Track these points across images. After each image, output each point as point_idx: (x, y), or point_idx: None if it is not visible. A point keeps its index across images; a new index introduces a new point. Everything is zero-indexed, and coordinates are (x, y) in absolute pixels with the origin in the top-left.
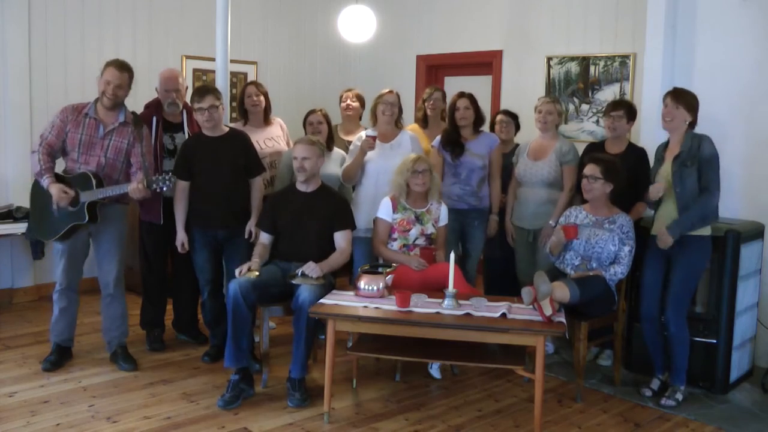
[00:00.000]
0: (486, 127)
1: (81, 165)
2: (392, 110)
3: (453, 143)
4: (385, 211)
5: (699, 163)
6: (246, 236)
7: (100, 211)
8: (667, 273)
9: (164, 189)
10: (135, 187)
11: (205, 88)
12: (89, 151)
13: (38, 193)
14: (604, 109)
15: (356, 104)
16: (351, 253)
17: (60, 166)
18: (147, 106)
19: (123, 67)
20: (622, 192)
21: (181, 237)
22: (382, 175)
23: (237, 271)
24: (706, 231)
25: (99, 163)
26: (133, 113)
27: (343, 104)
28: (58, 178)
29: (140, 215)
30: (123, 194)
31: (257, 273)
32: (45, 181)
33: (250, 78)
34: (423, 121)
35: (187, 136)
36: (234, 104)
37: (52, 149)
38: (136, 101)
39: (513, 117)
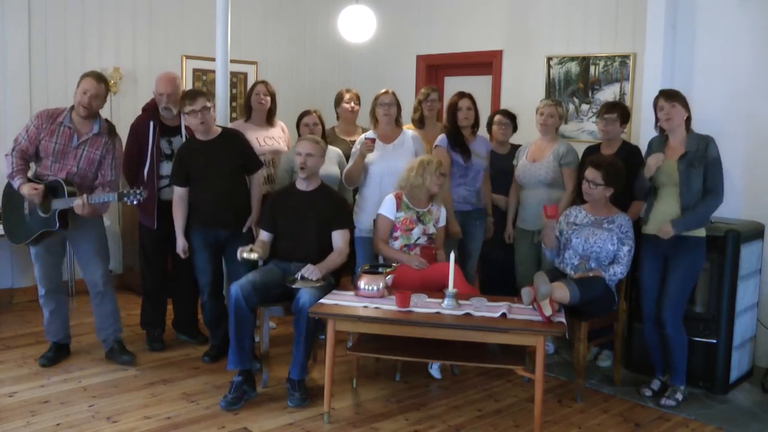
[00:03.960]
0: (481, 128)
1: (52, 173)
2: (390, 110)
3: (461, 144)
4: (388, 208)
5: (705, 164)
6: (244, 230)
7: (72, 217)
8: (664, 273)
9: (134, 203)
10: (78, 204)
11: (194, 91)
12: (62, 159)
13: (10, 196)
14: (598, 111)
15: (358, 106)
16: (353, 253)
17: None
18: (144, 109)
19: (100, 79)
20: (618, 191)
21: (181, 244)
22: (386, 176)
23: (239, 251)
24: (701, 232)
25: (70, 173)
26: (107, 122)
27: (347, 105)
28: (30, 182)
29: (139, 217)
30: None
31: (257, 255)
32: (16, 182)
33: (250, 78)
34: (419, 122)
35: (184, 140)
36: (234, 104)
37: (26, 154)
38: (136, 102)
39: (511, 118)
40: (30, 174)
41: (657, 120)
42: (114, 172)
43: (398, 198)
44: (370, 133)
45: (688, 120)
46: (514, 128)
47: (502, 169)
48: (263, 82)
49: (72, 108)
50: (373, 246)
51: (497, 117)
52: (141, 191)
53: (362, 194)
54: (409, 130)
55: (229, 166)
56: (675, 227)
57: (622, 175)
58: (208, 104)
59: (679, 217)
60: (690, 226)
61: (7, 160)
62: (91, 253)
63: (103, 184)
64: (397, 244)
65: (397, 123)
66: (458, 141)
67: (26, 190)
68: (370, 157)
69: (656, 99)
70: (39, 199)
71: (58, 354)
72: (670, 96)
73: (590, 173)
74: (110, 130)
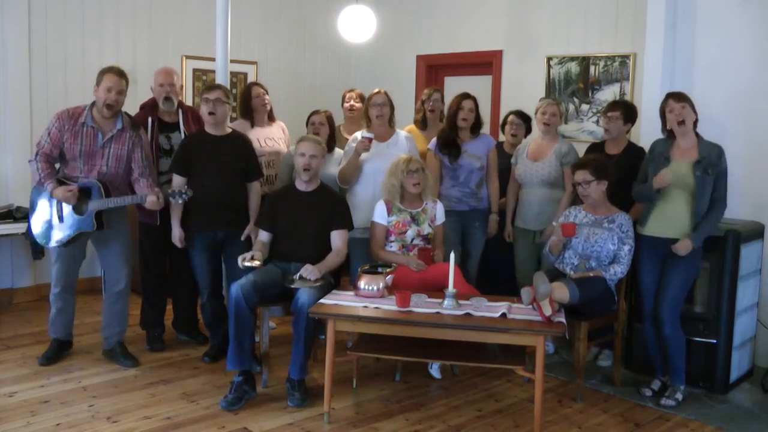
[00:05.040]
0: (487, 127)
1: (83, 174)
2: (383, 110)
3: (450, 145)
4: (380, 214)
5: (716, 173)
6: (243, 239)
7: (106, 218)
8: (662, 273)
9: (180, 202)
10: (153, 201)
11: (216, 84)
12: (90, 161)
13: (39, 198)
14: (602, 109)
15: (359, 105)
16: (348, 253)
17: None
18: (143, 107)
19: (121, 74)
20: (620, 191)
21: (177, 233)
22: (379, 174)
23: (240, 258)
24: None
25: (100, 172)
26: (127, 115)
27: (347, 105)
28: (62, 184)
29: (138, 216)
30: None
31: (259, 262)
32: (48, 187)
33: (251, 78)
34: (422, 123)
35: (183, 136)
36: (234, 104)
37: (50, 157)
38: (135, 102)
39: (525, 119)
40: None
41: (664, 123)
42: (146, 163)
43: (388, 203)
44: (367, 132)
45: (695, 123)
46: (528, 129)
47: (507, 168)
48: (257, 83)
49: (92, 106)
50: (371, 254)
51: (510, 117)
52: (186, 190)
53: (354, 193)
54: (402, 131)
55: (231, 165)
56: (694, 242)
57: (608, 165)
58: (224, 98)
59: (696, 231)
60: (705, 236)
61: (31, 166)
62: (120, 255)
63: (142, 175)
64: (394, 247)
65: (390, 123)
66: (448, 141)
67: (60, 193)
68: (364, 155)
69: (664, 102)
70: (74, 200)
71: (58, 352)
72: (679, 98)
73: (578, 175)
74: (133, 123)
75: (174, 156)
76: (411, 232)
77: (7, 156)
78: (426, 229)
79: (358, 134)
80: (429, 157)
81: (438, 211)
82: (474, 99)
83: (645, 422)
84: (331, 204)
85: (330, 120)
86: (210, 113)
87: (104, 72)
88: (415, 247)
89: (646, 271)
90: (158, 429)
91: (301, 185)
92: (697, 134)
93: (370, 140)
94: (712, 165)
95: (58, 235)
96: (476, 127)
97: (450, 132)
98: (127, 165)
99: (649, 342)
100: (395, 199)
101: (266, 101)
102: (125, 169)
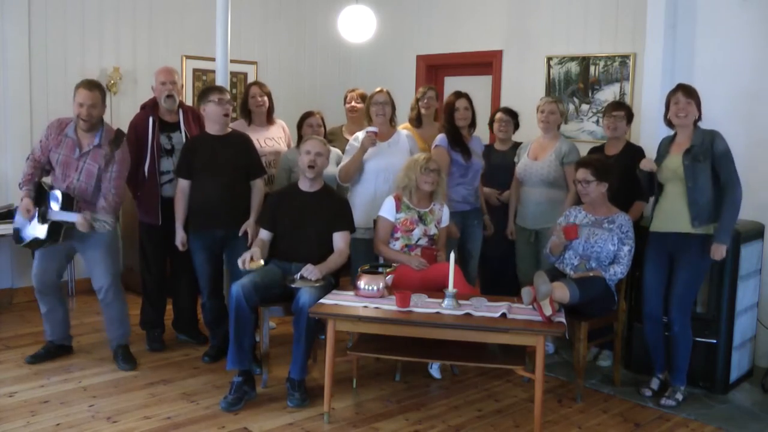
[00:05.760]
0: (486, 126)
1: (58, 184)
2: (385, 109)
3: (460, 143)
4: (388, 209)
5: (713, 158)
6: (240, 234)
7: (69, 229)
8: (670, 272)
9: (101, 230)
10: (80, 222)
11: (217, 87)
12: (65, 171)
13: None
14: (603, 110)
15: (360, 105)
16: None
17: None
18: (143, 107)
19: (93, 86)
20: (619, 190)
21: (180, 235)
22: (381, 172)
23: (240, 261)
24: (709, 230)
25: (70, 185)
26: (118, 131)
27: (348, 105)
28: (40, 189)
29: (139, 216)
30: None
31: (261, 263)
32: (22, 192)
33: (251, 78)
34: (417, 121)
35: (183, 136)
36: (234, 104)
37: (38, 163)
38: (136, 102)
39: (513, 116)
40: (49, 180)
41: (667, 113)
42: (113, 184)
43: (398, 199)
44: (371, 127)
45: (696, 121)
46: (516, 126)
47: (501, 165)
48: (256, 83)
49: None
50: (374, 247)
51: (498, 114)
52: (111, 222)
53: (355, 192)
54: (403, 130)
55: (231, 163)
56: (723, 241)
57: (610, 168)
58: (229, 99)
59: (719, 230)
60: (731, 230)
61: (24, 165)
62: (97, 260)
63: (105, 196)
64: (398, 244)
65: (391, 122)
66: (458, 140)
67: (22, 207)
68: (366, 153)
69: (673, 92)
70: (27, 217)
71: (50, 353)
72: (689, 92)
73: (580, 174)
74: (114, 140)
75: (178, 161)
76: (418, 231)
77: (7, 156)
78: (432, 230)
79: (360, 134)
80: (440, 153)
81: (444, 214)
82: (467, 96)
83: (645, 422)
84: (333, 205)
85: (323, 121)
86: (225, 115)
87: (77, 87)
88: (419, 247)
89: (650, 267)
90: (158, 429)
91: (304, 185)
92: (695, 127)
93: (375, 134)
94: (703, 151)
95: (25, 237)
96: (472, 124)
97: (455, 131)
98: (97, 182)
99: (649, 340)
100: (407, 194)
101: (260, 102)
102: (96, 186)
